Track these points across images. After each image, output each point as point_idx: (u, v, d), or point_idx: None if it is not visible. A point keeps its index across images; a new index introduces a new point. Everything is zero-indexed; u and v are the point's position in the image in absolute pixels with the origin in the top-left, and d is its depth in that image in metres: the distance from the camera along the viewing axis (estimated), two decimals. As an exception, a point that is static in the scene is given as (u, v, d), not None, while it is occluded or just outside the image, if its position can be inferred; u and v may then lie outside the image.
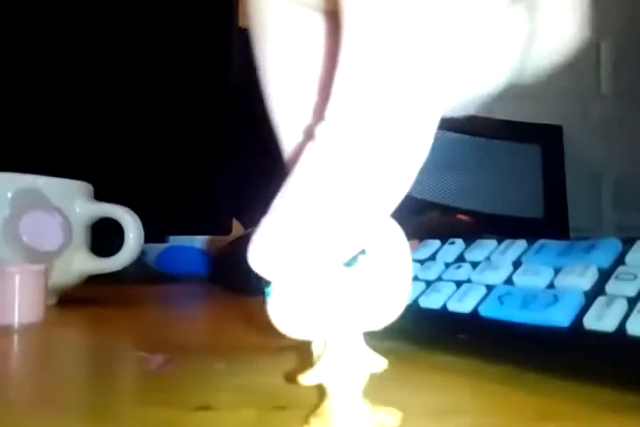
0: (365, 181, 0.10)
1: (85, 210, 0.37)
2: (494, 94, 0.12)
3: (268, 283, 0.11)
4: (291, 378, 0.16)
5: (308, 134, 0.11)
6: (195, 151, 0.55)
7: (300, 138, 0.12)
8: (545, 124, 0.88)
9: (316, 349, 0.13)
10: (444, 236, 0.24)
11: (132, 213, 0.37)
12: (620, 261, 0.17)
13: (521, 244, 0.20)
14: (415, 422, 0.14)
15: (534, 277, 0.18)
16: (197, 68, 0.56)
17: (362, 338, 0.12)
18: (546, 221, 0.86)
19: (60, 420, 0.14)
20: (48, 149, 0.54)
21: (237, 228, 0.59)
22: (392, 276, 0.12)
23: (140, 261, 0.40)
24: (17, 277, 0.27)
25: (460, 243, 0.23)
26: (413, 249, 0.25)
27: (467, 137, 0.87)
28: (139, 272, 0.63)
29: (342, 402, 0.12)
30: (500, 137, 0.87)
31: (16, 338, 0.25)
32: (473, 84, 0.12)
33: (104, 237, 0.39)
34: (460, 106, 0.12)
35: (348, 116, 0.10)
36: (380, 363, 0.12)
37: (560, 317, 0.16)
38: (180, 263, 0.61)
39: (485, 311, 0.18)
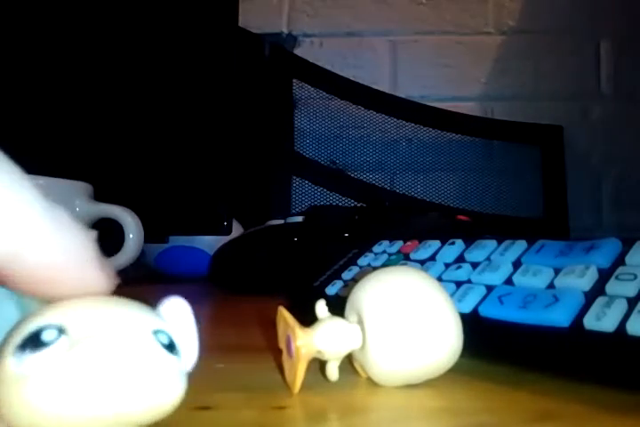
0: None
1: (85, 210, 0.37)
2: None
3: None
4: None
5: None
6: (194, 151, 0.55)
7: None
8: (545, 124, 0.88)
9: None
10: (444, 236, 0.24)
11: (132, 213, 0.37)
12: (620, 261, 0.17)
13: (521, 244, 0.20)
14: (415, 422, 0.14)
15: (534, 278, 0.18)
16: (197, 68, 0.56)
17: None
18: (546, 221, 0.85)
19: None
20: (48, 149, 0.54)
21: (237, 228, 0.59)
22: None
23: (139, 261, 0.40)
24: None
25: (459, 243, 0.23)
26: (413, 249, 0.25)
27: (467, 137, 0.87)
28: (139, 272, 0.63)
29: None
30: (500, 137, 0.87)
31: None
32: None
33: (104, 237, 0.39)
34: None
35: None
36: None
37: (560, 317, 0.16)
38: (180, 263, 0.61)
39: (485, 311, 0.18)
